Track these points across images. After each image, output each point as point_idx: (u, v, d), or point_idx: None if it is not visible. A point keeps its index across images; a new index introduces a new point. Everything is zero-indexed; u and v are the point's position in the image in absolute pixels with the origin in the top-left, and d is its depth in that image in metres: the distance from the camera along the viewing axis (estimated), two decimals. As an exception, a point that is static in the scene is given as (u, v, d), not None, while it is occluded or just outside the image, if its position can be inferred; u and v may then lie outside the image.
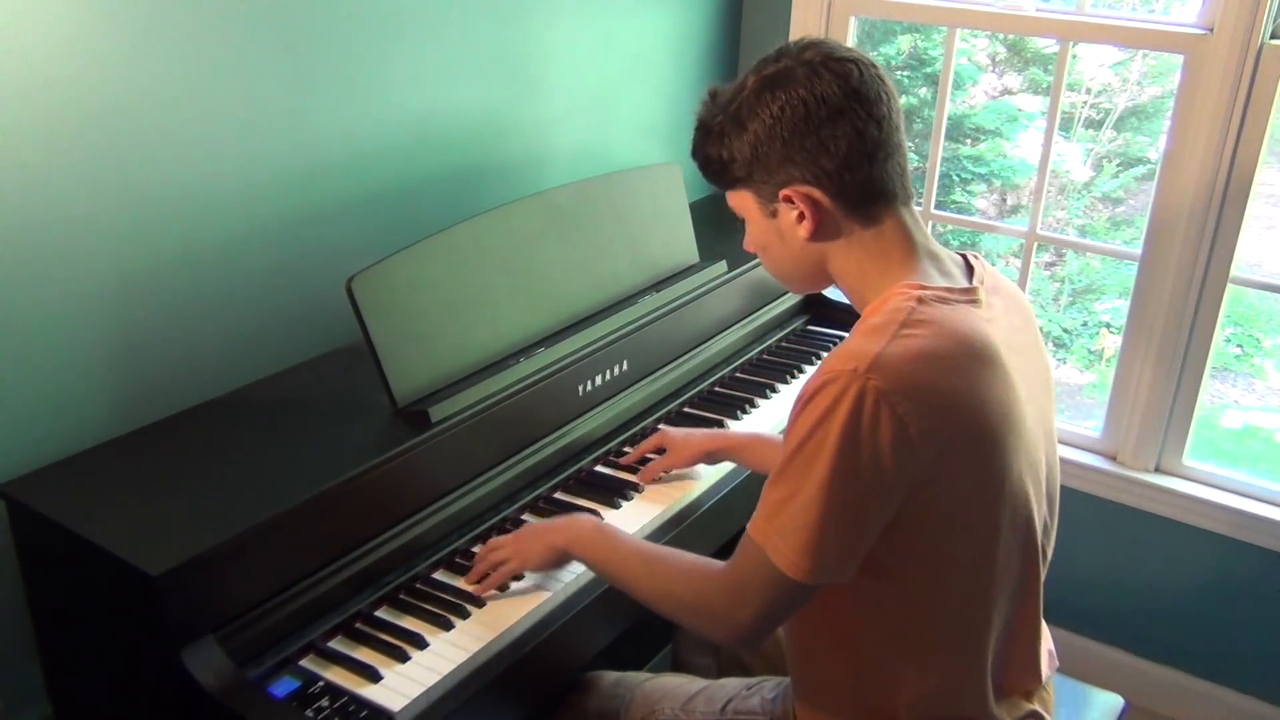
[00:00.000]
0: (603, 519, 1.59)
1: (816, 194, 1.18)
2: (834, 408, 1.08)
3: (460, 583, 1.46)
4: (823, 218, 1.20)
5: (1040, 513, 1.24)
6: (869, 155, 1.17)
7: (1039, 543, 1.25)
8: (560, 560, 1.43)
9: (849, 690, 1.27)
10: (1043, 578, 1.29)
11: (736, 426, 1.87)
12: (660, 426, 1.82)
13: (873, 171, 1.18)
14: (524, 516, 1.61)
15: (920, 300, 1.15)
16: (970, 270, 1.26)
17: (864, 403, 1.07)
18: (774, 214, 1.23)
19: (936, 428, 1.09)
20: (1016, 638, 1.28)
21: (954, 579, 1.18)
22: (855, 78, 1.16)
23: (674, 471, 1.69)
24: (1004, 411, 1.14)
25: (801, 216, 1.20)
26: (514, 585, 1.46)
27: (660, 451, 1.70)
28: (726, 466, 1.73)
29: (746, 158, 1.20)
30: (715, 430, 1.73)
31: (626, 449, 1.79)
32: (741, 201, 1.26)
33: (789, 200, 1.20)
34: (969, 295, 1.19)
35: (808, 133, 1.16)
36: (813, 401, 1.10)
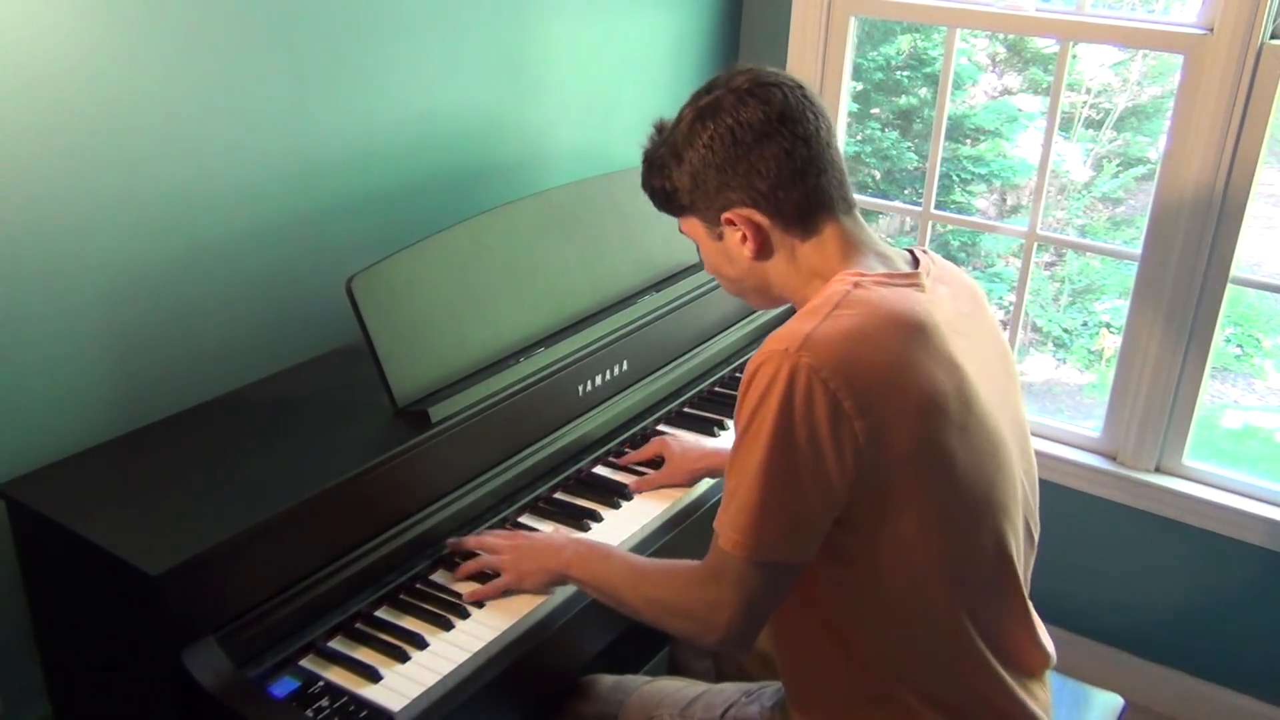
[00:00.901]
0: (602, 519, 1.60)
1: (755, 216, 1.24)
2: (769, 388, 1.12)
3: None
4: (764, 237, 1.25)
5: (1011, 494, 1.25)
6: (800, 173, 1.22)
7: (1012, 528, 1.25)
8: (556, 583, 1.43)
9: (842, 681, 1.27)
10: (1028, 559, 1.30)
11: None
12: (661, 432, 1.82)
13: (806, 188, 1.23)
14: (523, 518, 1.61)
15: (856, 285, 1.19)
16: (917, 264, 1.29)
17: (796, 380, 1.10)
18: (720, 237, 1.29)
19: (870, 402, 1.11)
20: (1007, 619, 1.28)
21: (911, 558, 1.18)
22: (778, 100, 1.22)
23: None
24: (946, 389, 1.16)
25: (744, 237, 1.25)
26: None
27: (660, 461, 1.72)
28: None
29: (687, 187, 1.27)
30: (712, 449, 1.72)
31: (627, 449, 1.79)
32: (691, 228, 1.32)
33: (730, 223, 1.25)
34: (910, 280, 1.22)
35: (739, 158, 1.22)
36: (751, 385, 1.14)
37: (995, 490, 1.22)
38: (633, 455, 1.74)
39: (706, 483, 1.70)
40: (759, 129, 1.21)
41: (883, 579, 1.19)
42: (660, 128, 1.32)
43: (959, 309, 1.26)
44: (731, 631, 1.19)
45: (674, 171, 1.27)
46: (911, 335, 1.16)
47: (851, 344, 1.13)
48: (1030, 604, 1.32)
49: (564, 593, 1.45)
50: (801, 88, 1.25)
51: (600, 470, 1.73)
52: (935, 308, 1.21)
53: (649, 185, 1.33)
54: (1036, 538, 1.34)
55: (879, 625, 1.22)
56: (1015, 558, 1.26)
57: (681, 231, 1.35)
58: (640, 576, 1.31)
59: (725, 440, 1.80)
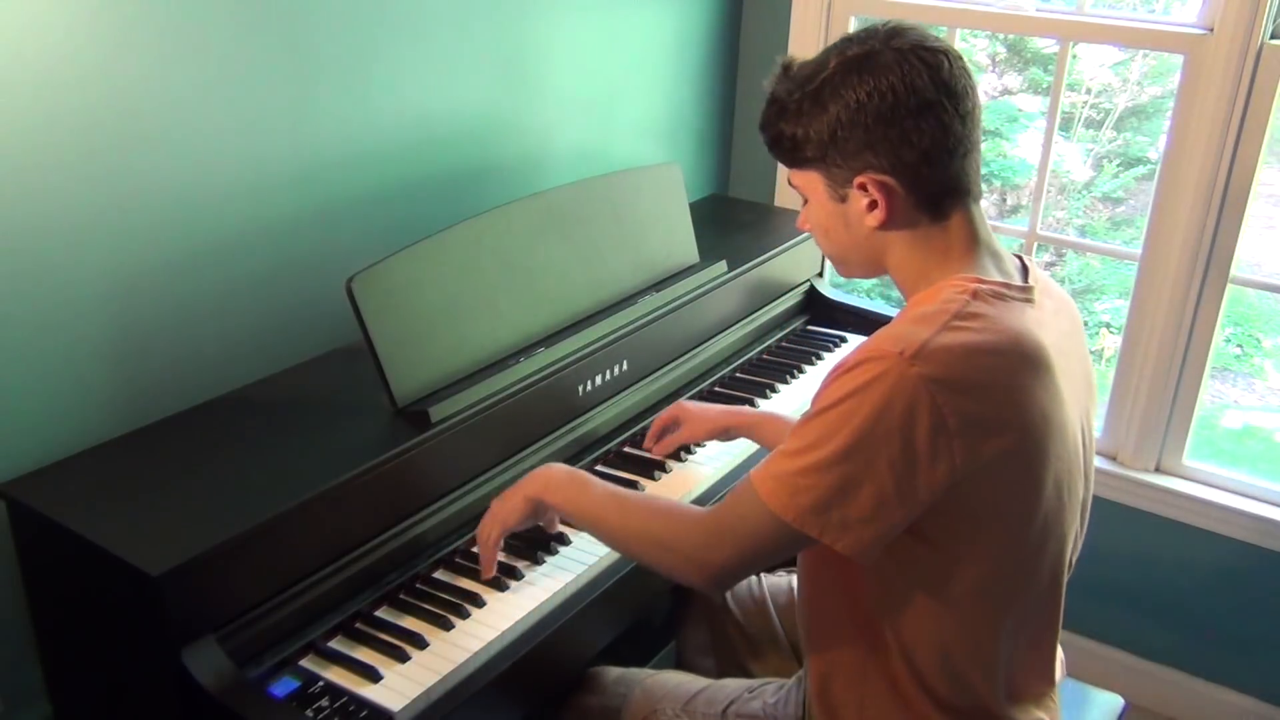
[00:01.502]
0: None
1: (892, 184, 1.15)
2: (871, 384, 1.06)
3: (461, 582, 1.46)
4: (895, 209, 1.17)
5: (1073, 523, 1.22)
6: (950, 151, 1.14)
7: (1068, 557, 1.23)
8: (537, 510, 1.42)
9: (867, 676, 1.24)
10: (1065, 586, 1.28)
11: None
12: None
13: (951, 168, 1.15)
14: (524, 516, 1.61)
15: (975, 294, 1.13)
16: (1025, 270, 1.24)
17: (902, 388, 1.05)
18: (843, 199, 1.20)
19: (976, 425, 1.06)
20: (1034, 643, 1.27)
21: (973, 578, 1.16)
22: (946, 70, 1.13)
23: (689, 451, 1.71)
24: (1048, 417, 1.12)
25: (873, 205, 1.17)
26: (513, 585, 1.46)
27: (673, 431, 1.72)
28: (731, 461, 1.73)
29: (823, 139, 1.16)
30: (731, 407, 1.72)
31: (627, 449, 1.79)
32: (808, 182, 1.22)
33: (862, 188, 1.17)
34: (1025, 293, 1.17)
35: (893, 122, 1.12)
36: (851, 373, 1.08)
37: (1064, 518, 1.19)
38: (653, 426, 1.75)
39: (709, 479, 1.70)
40: (923, 96, 1.12)
41: (940, 592, 1.16)
42: (789, 65, 1.21)
43: (1061, 327, 1.21)
44: (717, 574, 1.17)
45: (812, 120, 1.16)
46: (1025, 360, 1.11)
47: (967, 362, 1.07)
48: (1060, 626, 1.31)
49: (565, 592, 1.45)
50: (962, 59, 1.16)
51: (600, 469, 1.73)
52: (1045, 329, 1.16)
53: (775, 129, 1.21)
54: (1075, 560, 1.31)
55: (918, 629, 1.19)
56: (1063, 584, 1.25)
57: (791, 184, 1.25)
58: (626, 505, 1.29)
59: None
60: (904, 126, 1.12)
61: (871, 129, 1.13)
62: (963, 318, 1.10)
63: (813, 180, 1.21)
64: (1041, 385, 1.11)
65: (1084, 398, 1.25)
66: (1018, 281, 1.19)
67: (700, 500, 1.66)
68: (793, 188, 1.26)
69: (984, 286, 1.14)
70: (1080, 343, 1.28)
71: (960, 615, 1.18)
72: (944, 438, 1.05)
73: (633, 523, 1.27)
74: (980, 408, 1.07)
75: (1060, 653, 1.37)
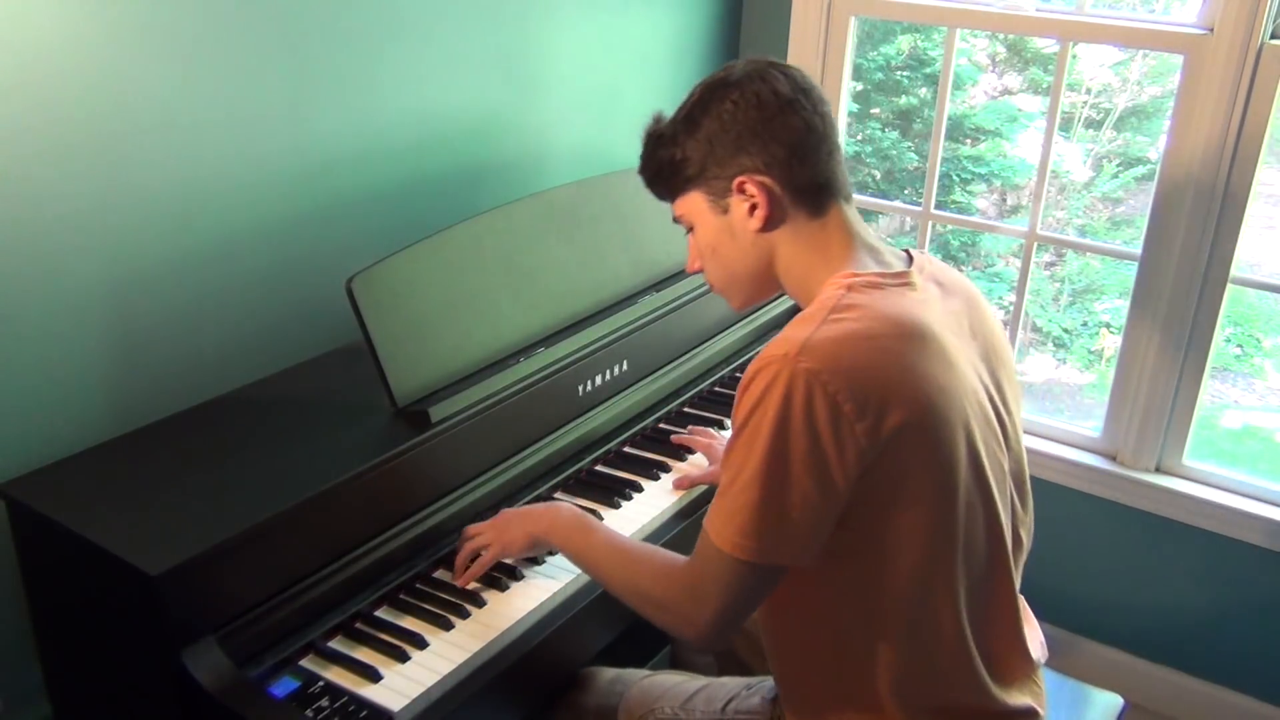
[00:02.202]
0: (602, 519, 1.60)
1: (769, 181, 1.23)
2: (767, 392, 1.12)
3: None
4: (774, 205, 1.24)
5: (1006, 496, 1.25)
6: (815, 146, 1.24)
7: (1004, 525, 1.25)
8: (538, 546, 1.45)
9: (830, 680, 1.27)
10: (1017, 562, 1.30)
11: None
12: (665, 430, 1.83)
13: (819, 162, 1.24)
14: (524, 516, 1.61)
15: (850, 288, 1.20)
16: (911, 262, 1.29)
17: (795, 385, 1.10)
18: (725, 210, 1.27)
19: (870, 404, 1.11)
20: (997, 621, 1.28)
21: (911, 558, 1.19)
22: (798, 77, 1.26)
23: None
24: (943, 387, 1.16)
25: (754, 207, 1.24)
26: (513, 585, 1.46)
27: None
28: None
29: (700, 154, 1.26)
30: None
31: (627, 449, 1.79)
32: (691, 205, 1.31)
33: (742, 190, 1.24)
34: (902, 279, 1.23)
35: (761, 121, 1.22)
36: (748, 390, 1.14)
37: (990, 488, 1.22)
38: (679, 438, 1.77)
39: (703, 486, 1.70)
40: (784, 97, 1.23)
41: (881, 578, 1.19)
42: (660, 115, 1.32)
43: (950, 307, 1.27)
44: (709, 629, 1.20)
45: (686, 140, 1.26)
46: (907, 337, 1.16)
47: (849, 348, 1.13)
48: (1021, 604, 1.32)
49: (564, 592, 1.45)
50: (810, 77, 1.28)
51: (601, 469, 1.73)
52: (927, 309, 1.21)
53: (654, 161, 1.31)
54: (1026, 537, 1.34)
55: (874, 627, 1.22)
56: (1008, 558, 1.26)
57: (675, 218, 1.34)
58: (624, 560, 1.32)
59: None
60: (772, 125, 1.23)
61: (743, 133, 1.23)
62: (839, 310, 1.17)
63: (695, 201, 1.30)
64: (927, 357, 1.16)
65: (993, 367, 1.29)
66: (897, 270, 1.25)
67: (689, 510, 1.65)
68: (677, 221, 1.34)
69: (859, 279, 1.21)
70: (981, 319, 1.32)
71: (909, 602, 1.20)
72: (844, 423, 1.10)
73: (629, 579, 1.30)
74: (870, 388, 1.12)
75: (1039, 634, 1.37)
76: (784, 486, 1.12)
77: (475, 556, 1.46)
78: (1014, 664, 1.31)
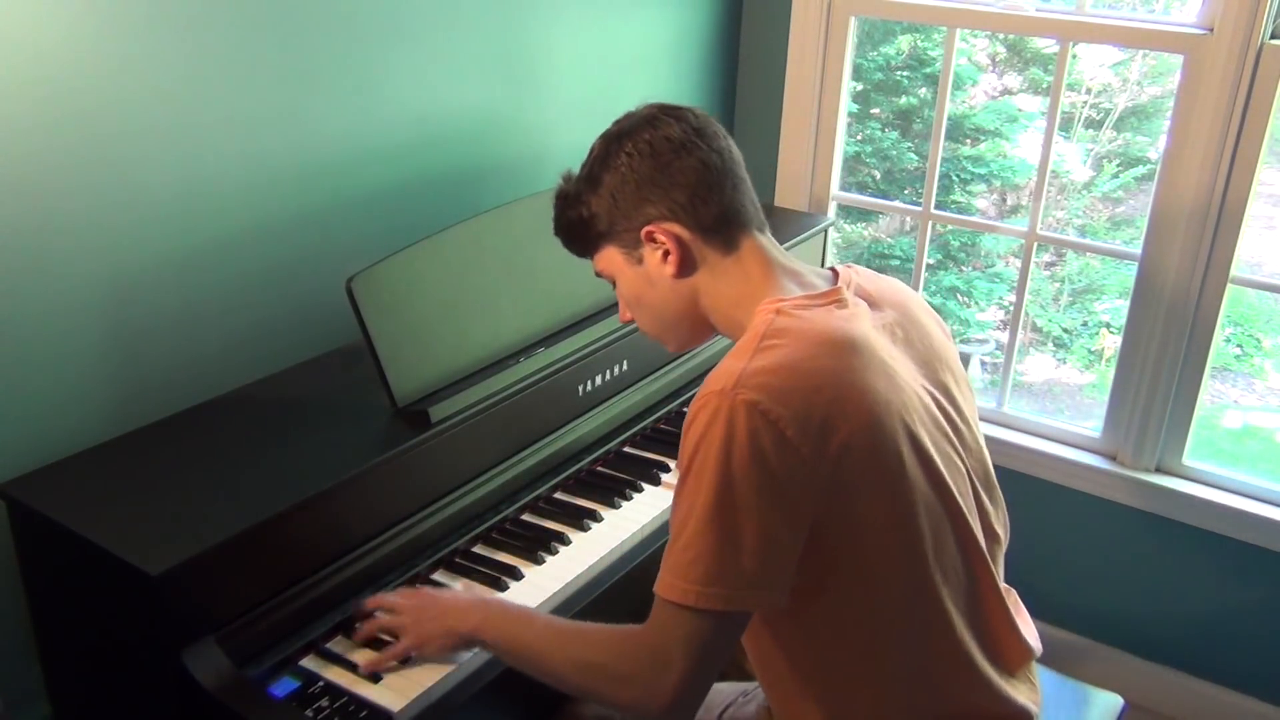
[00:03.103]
0: (602, 519, 1.60)
1: (675, 228, 1.24)
2: (709, 429, 1.10)
3: (460, 583, 1.46)
4: (685, 251, 1.25)
5: (969, 495, 1.24)
6: (717, 184, 1.24)
7: (973, 524, 1.24)
8: (462, 647, 1.33)
9: (827, 706, 1.24)
10: (995, 558, 1.29)
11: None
12: (666, 430, 1.83)
13: (723, 198, 1.24)
14: (524, 516, 1.61)
15: (778, 312, 1.19)
16: (837, 279, 1.29)
17: (736, 418, 1.08)
18: (640, 260, 1.28)
19: (812, 426, 1.10)
20: (992, 617, 1.28)
21: (883, 574, 1.17)
22: (691, 118, 1.26)
23: None
24: (882, 398, 1.15)
25: (666, 254, 1.25)
26: (512, 585, 1.45)
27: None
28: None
29: (606, 209, 1.27)
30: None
31: (627, 449, 1.79)
32: (609, 260, 1.31)
33: (651, 239, 1.25)
34: (828, 299, 1.22)
35: (657, 170, 1.23)
36: (690, 430, 1.12)
37: (949, 489, 1.21)
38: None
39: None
40: (676, 141, 1.23)
41: (858, 600, 1.17)
42: (568, 174, 1.34)
43: (883, 319, 1.26)
44: (676, 696, 1.12)
45: (590, 198, 1.28)
46: (841, 353, 1.15)
47: (786, 373, 1.12)
48: (1008, 596, 1.32)
49: (562, 594, 1.45)
50: (705, 114, 1.29)
51: (601, 469, 1.73)
52: (856, 322, 1.21)
53: (564, 222, 1.33)
54: (1001, 531, 1.33)
55: (860, 650, 1.20)
56: (985, 555, 1.25)
57: (597, 273, 1.34)
58: (568, 638, 1.22)
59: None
60: (668, 171, 1.23)
61: (641, 183, 1.24)
62: (770, 336, 1.16)
63: (610, 255, 1.31)
64: (864, 370, 1.15)
65: (934, 371, 1.28)
66: (820, 290, 1.25)
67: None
68: (599, 276, 1.35)
69: (785, 303, 1.20)
70: (917, 325, 1.30)
71: (891, 618, 1.19)
72: (790, 450, 1.09)
73: (579, 657, 1.20)
74: (811, 410, 1.10)
75: (1033, 627, 1.36)
76: (738, 523, 1.09)
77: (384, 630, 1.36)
78: (1014, 652, 1.31)
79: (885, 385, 1.16)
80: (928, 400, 1.23)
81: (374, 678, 1.29)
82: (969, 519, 1.24)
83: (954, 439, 1.25)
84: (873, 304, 1.27)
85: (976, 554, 1.25)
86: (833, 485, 1.11)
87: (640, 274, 1.29)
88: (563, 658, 1.21)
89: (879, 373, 1.16)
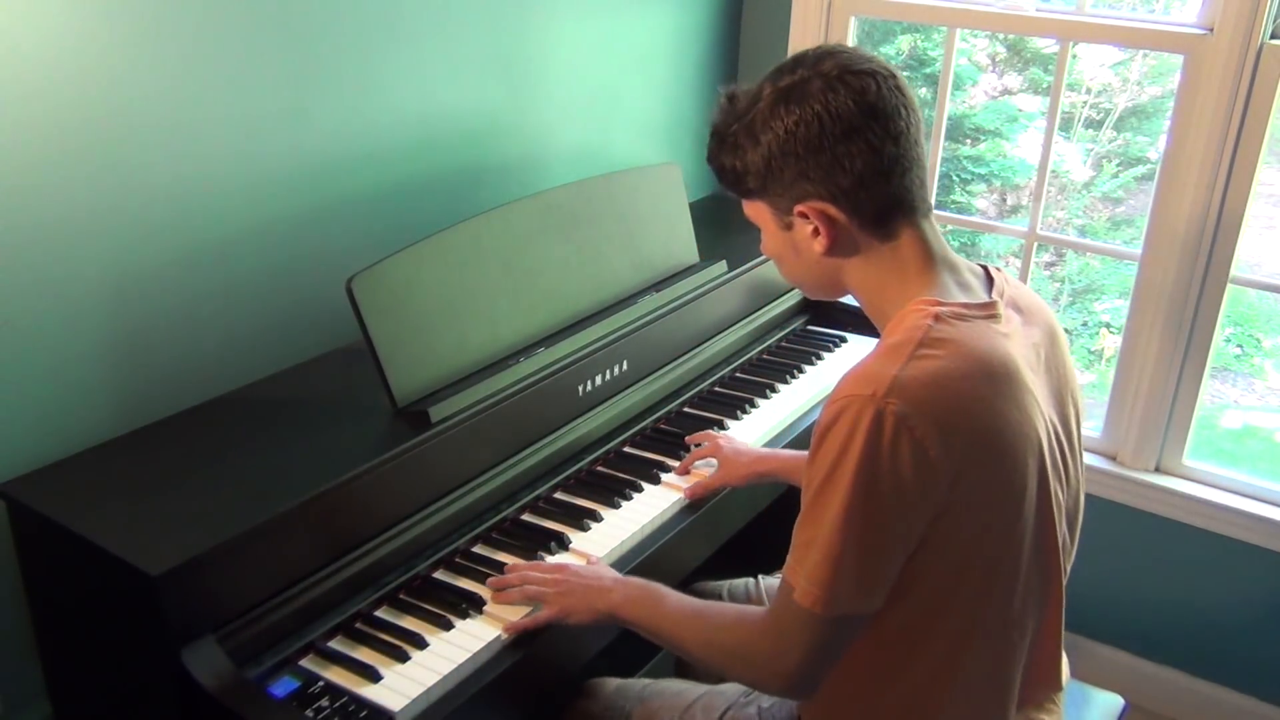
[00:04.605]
0: (602, 519, 1.60)
1: (832, 210, 1.17)
2: (852, 435, 1.07)
3: (461, 582, 1.46)
4: (838, 234, 1.18)
5: (1061, 531, 1.22)
6: (885, 172, 1.15)
7: (1060, 562, 1.23)
8: (603, 623, 1.36)
9: (876, 708, 1.24)
10: (1064, 592, 1.28)
11: (736, 426, 1.87)
12: (666, 430, 1.83)
13: (890, 188, 1.16)
14: (524, 516, 1.61)
15: (937, 318, 1.13)
16: (990, 282, 1.24)
17: (882, 427, 1.06)
18: (789, 227, 1.21)
19: (956, 450, 1.07)
20: (1038, 651, 1.27)
21: (978, 600, 1.17)
22: (872, 92, 1.13)
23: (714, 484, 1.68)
24: (1023, 431, 1.12)
25: (817, 232, 1.18)
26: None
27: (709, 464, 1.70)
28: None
29: (760, 171, 1.18)
30: (765, 451, 1.69)
31: (627, 449, 1.79)
32: (757, 211, 1.25)
33: (804, 215, 1.18)
34: (987, 310, 1.17)
35: (822, 150, 1.14)
36: (831, 431, 1.09)
37: (1052, 525, 1.20)
38: (684, 463, 1.72)
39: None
40: (848, 121, 1.13)
41: (936, 616, 1.17)
42: (732, 97, 1.22)
43: (1031, 338, 1.22)
44: (797, 680, 1.16)
45: (748, 152, 1.18)
46: (995, 379, 1.12)
47: (939, 390, 1.08)
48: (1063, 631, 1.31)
49: (564, 593, 1.45)
50: (894, 77, 1.16)
51: (601, 469, 1.73)
52: (1012, 343, 1.17)
53: (717, 161, 1.23)
54: (1068, 568, 1.31)
55: (922, 669, 1.19)
56: (1060, 593, 1.25)
57: (745, 215, 1.27)
58: (700, 619, 1.26)
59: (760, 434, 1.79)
60: (834, 153, 1.14)
61: (803, 157, 1.15)
62: (928, 345, 1.11)
63: (760, 210, 1.24)
64: (1014, 400, 1.12)
65: (1062, 403, 1.25)
66: (980, 295, 1.21)
67: (689, 510, 1.65)
68: (746, 217, 1.28)
69: (945, 309, 1.15)
70: (1058, 348, 1.28)
71: (972, 640, 1.18)
72: (929, 469, 1.07)
73: (705, 637, 1.24)
74: (956, 432, 1.08)
75: (1065, 659, 1.37)
76: (867, 537, 1.08)
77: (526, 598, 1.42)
78: (1035, 693, 1.30)
79: (1024, 417, 1.13)
80: (1051, 435, 1.19)
81: (374, 677, 1.29)
82: (1060, 558, 1.22)
83: (1063, 476, 1.22)
84: (1023, 318, 1.23)
85: (1057, 593, 1.24)
86: (957, 508, 1.10)
87: (787, 239, 1.23)
88: (693, 638, 1.26)
89: (1022, 402, 1.13)
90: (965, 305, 1.16)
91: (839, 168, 1.14)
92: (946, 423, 1.07)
